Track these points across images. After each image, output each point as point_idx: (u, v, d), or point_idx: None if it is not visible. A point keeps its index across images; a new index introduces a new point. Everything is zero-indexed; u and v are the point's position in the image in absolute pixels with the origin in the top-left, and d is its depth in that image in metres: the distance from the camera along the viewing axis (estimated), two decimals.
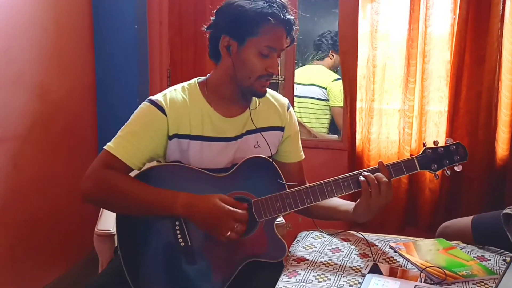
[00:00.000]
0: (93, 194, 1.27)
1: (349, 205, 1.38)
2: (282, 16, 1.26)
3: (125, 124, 1.32)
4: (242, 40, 1.28)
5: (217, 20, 1.33)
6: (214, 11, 1.35)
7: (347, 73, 2.28)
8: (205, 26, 1.37)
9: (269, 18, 1.24)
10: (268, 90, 1.46)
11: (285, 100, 1.49)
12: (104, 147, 1.29)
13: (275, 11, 1.25)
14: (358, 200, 1.32)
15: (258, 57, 1.28)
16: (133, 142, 1.28)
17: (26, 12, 2.02)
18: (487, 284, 1.22)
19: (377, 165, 1.30)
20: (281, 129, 1.45)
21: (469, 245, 1.45)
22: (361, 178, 1.28)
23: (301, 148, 1.52)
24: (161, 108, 1.30)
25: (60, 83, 2.26)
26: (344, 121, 2.39)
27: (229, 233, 1.22)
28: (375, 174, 1.27)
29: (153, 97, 1.33)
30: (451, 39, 2.13)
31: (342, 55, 2.28)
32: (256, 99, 1.42)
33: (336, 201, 1.42)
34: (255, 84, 1.31)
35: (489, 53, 2.07)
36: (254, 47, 1.27)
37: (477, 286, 1.21)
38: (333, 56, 3.01)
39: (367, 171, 1.29)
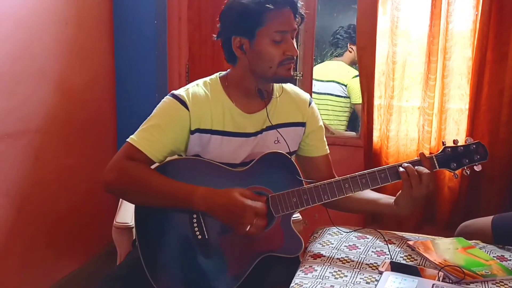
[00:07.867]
0: (115, 184, 1.29)
1: (389, 198, 1.37)
2: None
3: (148, 117, 1.34)
4: (251, 35, 1.28)
5: (223, 24, 1.34)
6: (218, 18, 1.35)
7: (365, 69, 2.26)
8: (215, 36, 1.38)
9: (268, 5, 1.25)
10: (291, 85, 1.46)
11: (307, 96, 1.49)
12: (127, 140, 1.31)
13: None
14: (399, 192, 1.31)
15: (272, 45, 1.28)
16: (155, 135, 1.30)
17: (48, 7, 2.05)
18: (507, 285, 1.20)
19: (418, 157, 1.28)
20: (302, 124, 1.45)
21: (489, 244, 1.43)
22: (401, 169, 1.27)
23: (326, 143, 1.52)
24: (183, 103, 1.32)
25: (81, 77, 2.29)
26: (361, 117, 2.37)
27: (248, 227, 1.22)
28: (416, 167, 1.26)
29: (176, 92, 1.35)
30: (473, 36, 2.10)
31: (360, 51, 2.26)
32: (277, 94, 1.42)
33: (375, 195, 1.41)
34: (278, 71, 1.31)
35: None
36: (265, 37, 1.28)
37: (497, 286, 1.19)
38: (352, 49, 2.96)
39: (407, 163, 1.28)
